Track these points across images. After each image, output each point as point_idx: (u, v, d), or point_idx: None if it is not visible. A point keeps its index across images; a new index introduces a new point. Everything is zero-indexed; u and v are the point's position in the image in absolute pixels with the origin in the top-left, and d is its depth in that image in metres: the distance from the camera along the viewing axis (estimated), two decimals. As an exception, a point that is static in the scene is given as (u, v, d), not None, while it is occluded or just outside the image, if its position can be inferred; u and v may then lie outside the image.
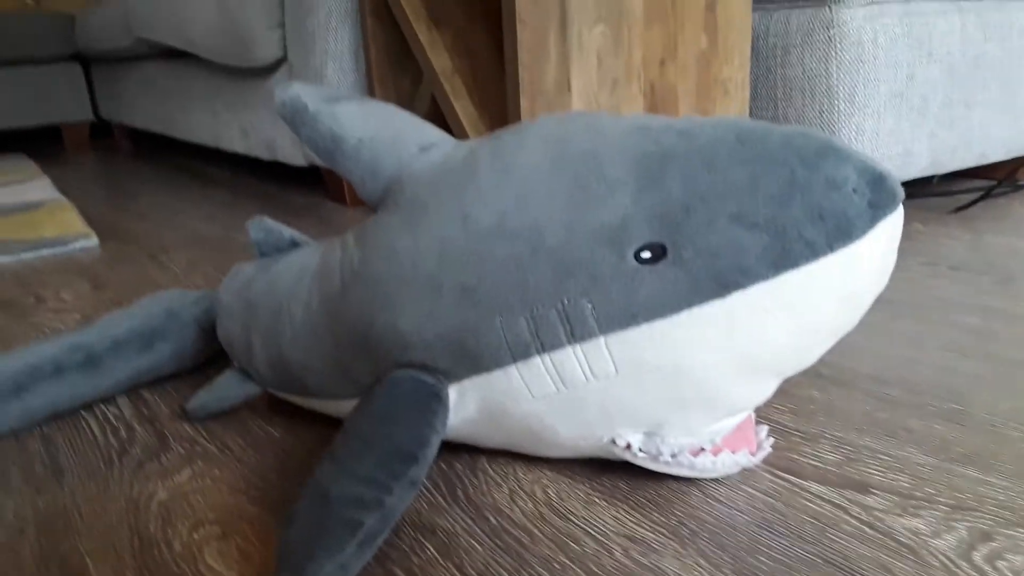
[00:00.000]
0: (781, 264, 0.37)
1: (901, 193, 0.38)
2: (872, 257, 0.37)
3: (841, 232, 0.37)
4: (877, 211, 0.37)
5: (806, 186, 0.37)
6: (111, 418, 0.57)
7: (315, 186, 1.53)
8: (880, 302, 0.69)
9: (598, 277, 0.39)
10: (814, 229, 0.37)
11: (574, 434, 0.43)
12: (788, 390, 0.54)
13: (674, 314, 0.38)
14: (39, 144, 2.71)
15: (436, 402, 0.42)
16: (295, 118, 0.49)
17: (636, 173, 0.39)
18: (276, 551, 0.37)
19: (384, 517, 0.37)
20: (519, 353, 0.41)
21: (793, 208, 0.37)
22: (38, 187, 1.64)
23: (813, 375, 0.56)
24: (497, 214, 0.41)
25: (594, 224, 0.39)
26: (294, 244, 0.58)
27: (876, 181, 0.37)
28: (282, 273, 0.53)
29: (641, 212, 0.38)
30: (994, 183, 1.02)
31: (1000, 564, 0.36)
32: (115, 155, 2.29)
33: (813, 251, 0.37)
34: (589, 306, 0.39)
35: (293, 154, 1.36)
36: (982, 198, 0.99)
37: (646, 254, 0.38)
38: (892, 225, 0.38)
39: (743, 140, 0.39)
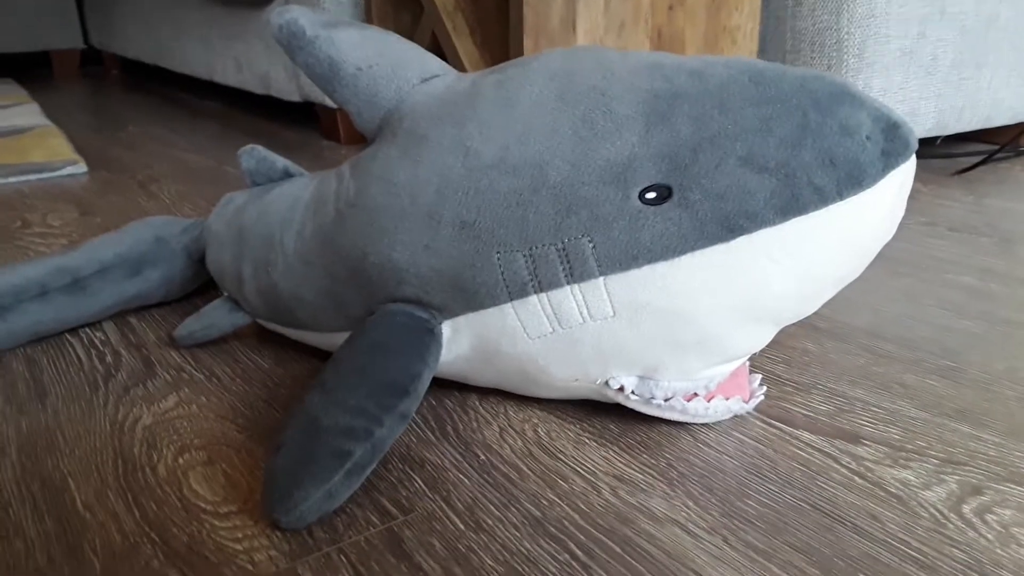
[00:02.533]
0: (789, 210, 0.36)
1: (915, 142, 0.37)
2: (882, 206, 0.37)
3: (852, 179, 0.36)
4: (889, 159, 0.36)
5: (818, 130, 0.36)
6: (97, 342, 0.56)
7: (309, 123, 1.51)
8: (878, 259, 0.69)
9: (601, 216, 0.38)
10: (824, 175, 0.36)
11: (567, 375, 0.42)
12: (783, 341, 0.54)
13: (676, 257, 0.37)
14: (28, 70, 2.65)
15: (429, 337, 0.41)
16: (292, 43, 0.47)
17: (645, 111, 0.38)
18: (263, 478, 0.36)
19: (373, 448, 0.37)
20: (516, 291, 0.40)
21: (804, 152, 0.36)
22: (26, 112, 1.60)
23: (809, 327, 0.55)
24: (499, 148, 0.40)
25: (599, 162, 0.38)
26: (287, 174, 0.57)
27: (890, 129, 0.36)
28: (274, 202, 0.52)
29: (648, 151, 0.37)
30: (997, 147, 1.01)
31: (989, 517, 0.36)
32: (105, 84, 2.24)
33: (822, 197, 0.36)
34: (590, 245, 0.38)
35: (287, 89, 1.33)
36: (984, 161, 0.98)
37: (651, 195, 0.37)
38: (904, 174, 0.37)
39: (756, 81, 0.38)
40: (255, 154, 0.56)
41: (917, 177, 0.98)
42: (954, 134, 1.04)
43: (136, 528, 0.36)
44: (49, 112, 1.70)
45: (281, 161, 0.56)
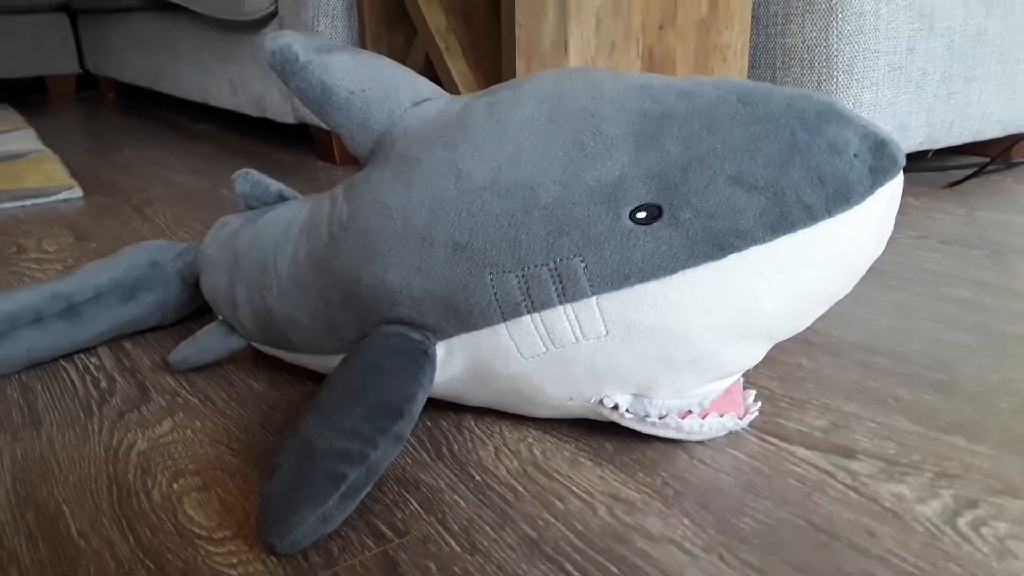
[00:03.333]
0: (778, 228, 0.36)
1: (902, 159, 0.37)
2: (870, 223, 0.37)
3: (840, 197, 0.36)
4: (877, 177, 0.36)
5: (807, 149, 0.36)
6: (91, 368, 0.56)
7: (304, 144, 1.51)
8: (871, 272, 0.69)
9: (592, 236, 0.38)
10: (813, 193, 0.36)
11: (562, 394, 0.42)
12: (777, 357, 0.54)
13: (668, 276, 0.37)
14: (24, 95, 2.66)
15: (423, 358, 0.41)
16: (285, 68, 0.47)
17: (634, 132, 0.38)
18: (257, 502, 0.36)
19: (368, 471, 0.37)
20: (509, 312, 0.40)
21: (793, 171, 0.36)
22: (22, 138, 1.61)
23: (802, 342, 0.56)
24: (491, 170, 0.40)
25: (590, 182, 0.38)
26: (281, 197, 0.57)
27: (878, 146, 0.37)
28: (268, 226, 0.52)
29: (638, 171, 0.38)
30: (988, 160, 1.01)
31: (984, 531, 0.36)
32: (101, 108, 2.25)
33: (811, 215, 0.36)
34: (582, 265, 0.38)
35: (282, 111, 1.34)
36: (976, 174, 0.99)
37: (642, 214, 0.38)
38: (892, 191, 0.37)
39: (744, 101, 0.38)
40: (249, 178, 0.57)
41: (908, 191, 0.98)
42: (945, 147, 1.05)
43: (131, 555, 0.36)
44: (45, 137, 1.71)
45: (275, 184, 0.57)
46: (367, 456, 0.37)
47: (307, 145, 1.50)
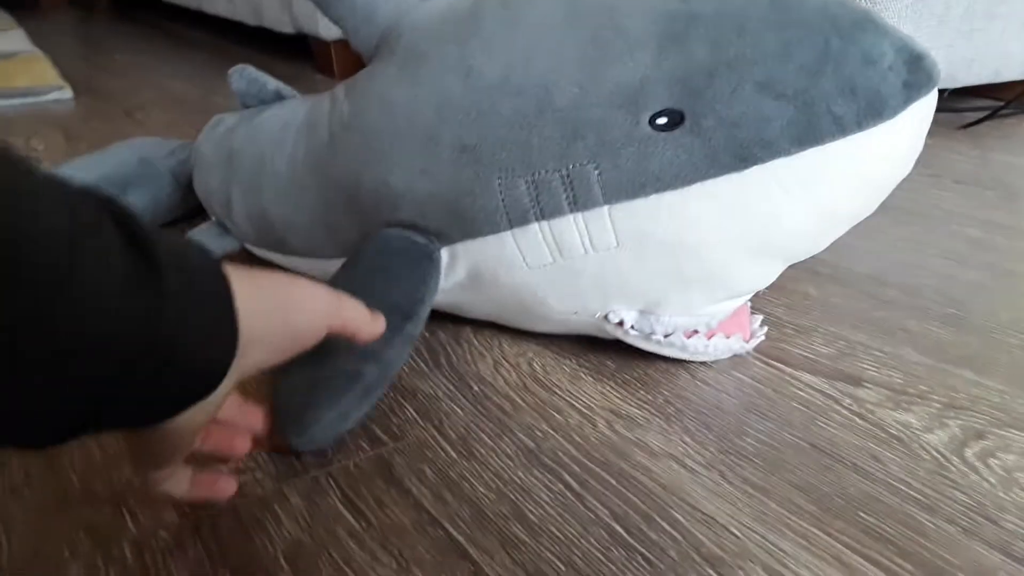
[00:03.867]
0: (806, 139, 0.34)
1: (938, 75, 0.35)
2: (901, 140, 0.35)
3: (872, 110, 0.34)
4: (911, 91, 0.35)
5: (840, 58, 0.34)
6: (81, 264, 0.54)
7: (302, 57, 1.47)
8: (882, 208, 0.67)
9: (608, 142, 0.36)
10: (844, 104, 0.34)
11: (566, 307, 0.41)
12: (784, 285, 0.53)
13: (686, 186, 0.36)
14: (12, -4, 2.56)
15: (428, 262, 0.40)
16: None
17: (659, 32, 0.36)
18: (272, 402, 0.35)
19: (383, 370, 0.35)
20: (516, 219, 0.38)
21: (824, 80, 0.34)
22: (12, 38, 1.55)
23: (810, 272, 0.54)
24: (503, 68, 0.38)
25: (609, 84, 0.36)
26: (279, 96, 0.54)
27: (913, 60, 0.35)
28: (266, 124, 0.50)
29: (661, 74, 0.36)
30: (1003, 103, 0.99)
31: (992, 462, 0.35)
32: (94, 13, 2.18)
33: (841, 128, 0.34)
34: (596, 172, 0.36)
35: (280, 20, 1.29)
36: (990, 116, 0.97)
37: (662, 120, 0.36)
38: (925, 108, 0.35)
39: (776, 5, 0.36)
40: (246, 74, 0.54)
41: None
42: (960, 88, 1.02)
43: (116, 445, 0.35)
44: (36, 39, 1.65)
45: (273, 82, 0.54)
46: (380, 355, 0.35)
47: (305, 57, 1.46)
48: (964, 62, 0.96)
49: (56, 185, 0.20)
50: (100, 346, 0.20)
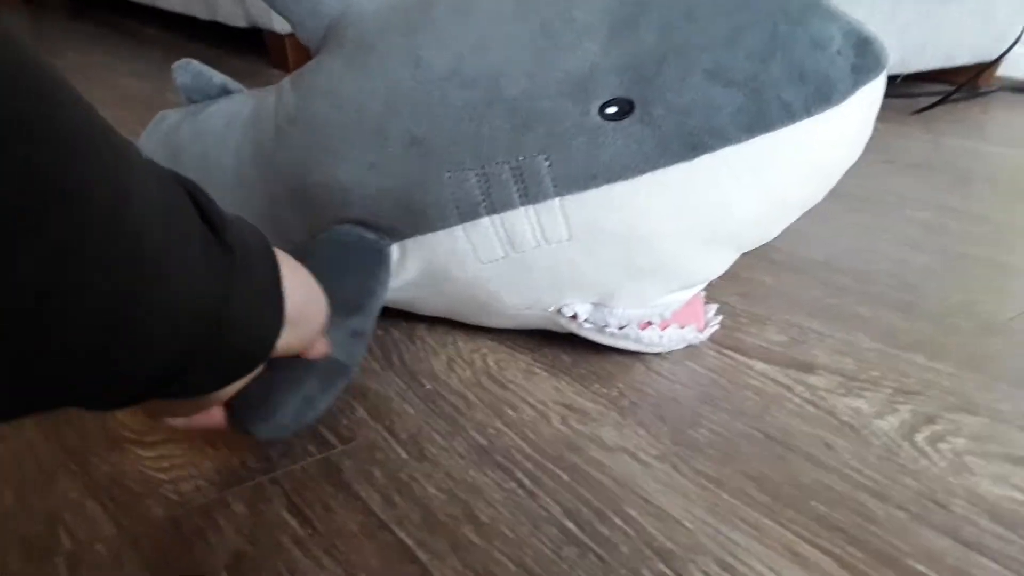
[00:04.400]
0: (755, 127, 0.34)
1: (886, 58, 0.35)
2: (850, 125, 0.35)
3: (821, 95, 0.34)
4: (860, 76, 0.35)
5: (789, 43, 0.34)
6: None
7: (257, 50, 1.44)
8: (835, 194, 0.68)
9: (558, 132, 0.36)
10: (793, 90, 0.34)
11: (519, 302, 0.41)
12: (739, 274, 0.53)
13: (636, 176, 0.35)
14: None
15: (378, 256, 0.39)
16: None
17: (608, 19, 0.36)
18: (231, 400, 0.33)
19: (338, 364, 0.34)
20: (466, 212, 0.38)
21: (773, 66, 0.34)
22: (-48, 32, 1.51)
23: (765, 259, 0.54)
24: (453, 58, 0.37)
25: (558, 74, 0.36)
26: (225, 91, 0.53)
27: (861, 44, 0.35)
28: (211, 120, 0.49)
29: (611, 62, 0.35)
30: (955, 87, 1.00)
31: (942, 446, 0.35)
32: (48, 11, 2.12)
33: (790, 114, 0.34)
34: (546, 164, 0.36)
35: (233, 13, 1.27)
36: (942, 101, 0.98)
37: (612, 109, 0.35)
38: (874, 91, 0.35)
39: (725, -10, 0.36)
40: (190, 69, 0.52)
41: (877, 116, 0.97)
42: (913, 73, 1.03)
43: (53, 458, 0.34)
44: (-21, 33, 1.60)
45: (219, 77, 0.53)
46: (332, 348, 0.34)
47: (260, 51, 1.43)
48: (917, 47, 0.97)
49: (149, 162, 0.20)
50: (184, 320, 0.21)
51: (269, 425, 0.32)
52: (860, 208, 0.65)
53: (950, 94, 0.98)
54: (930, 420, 0.37)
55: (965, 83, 1.00)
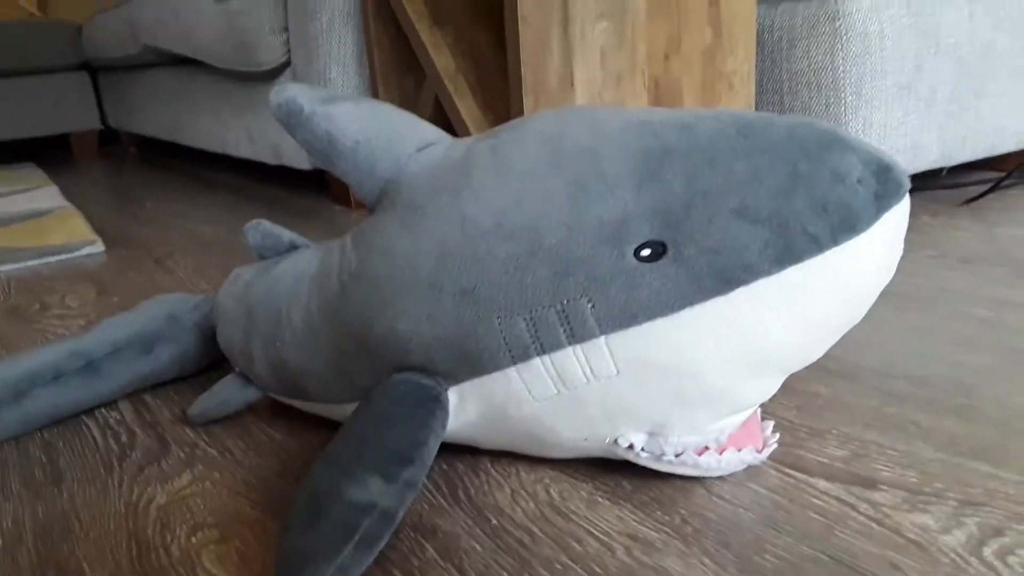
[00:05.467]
0: (785, 259, 0.36)
1: (907, 183, 0.37)
2: (877, 250, 0.37)
3: (846, 225, 0.36)
4: (883, 202, 0.36)
5: (809, 179, 0.36)
6: (111, 423, 0.57)
7: (320, 189, 1.53)
8: (887, 295, 0.68)
9: (598, 276, 0.38)
10: (818, 222, 0.36)
11: (576, 435, 0.42)
12: (794, 386, 0.53)
13: (675, 312, 0.37)
14: (48, 152, 2.72)
15: (435, 404, 0.41)
16: (291, 120, 0.48)
17: (636, 169, 0.39)
18: (275, 556, 0.36)
19: (382, 519, 0.37)
20: (518, 355, 0.40)
21: (796, 202, 0.36)
22: (46, 195, 1.64)
23: (819, 370, 0.55)
24: (495, 214, 0.40)
25: (593, 222, 0.38)
26: (293, 246, 0.58)
27: (882, 171, 0.37)
28: (281, 277, 0.53)
29: (641, 209, 0.38)
30: (1004, 174, 1.00)
31: (1011, 560, 0.35)
32: (123, 162, 2.30)
33: (817, 245, 0.36)
34: (589, 306, 0.38)
35: (298, 158, 1.36)
36: (992, 189, 0.98)
37: (646, 252, 0.38)
38: (898, 216, 0.37)
39: (744, 133, 0.38)
40: (260, 228, 0.57)
41: (925, 208, 0.97)
42: (959, 164, 1.04)
43: (149, 613, 0.36)
44: (68, 193, 1.75)
45: (287, 234, 0.57)
46: (375, 504, 0.36)
47: (323, 190, 1.52)
48: (957, 140, 0.98)
49: None
50: None
51: None
52: (912, 308, 0.65)
53: (999, 181, 0.99)
54: (998, 532, 0.37)
55: (1014, 170, 1.01)
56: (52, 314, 0.84)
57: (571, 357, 0.39)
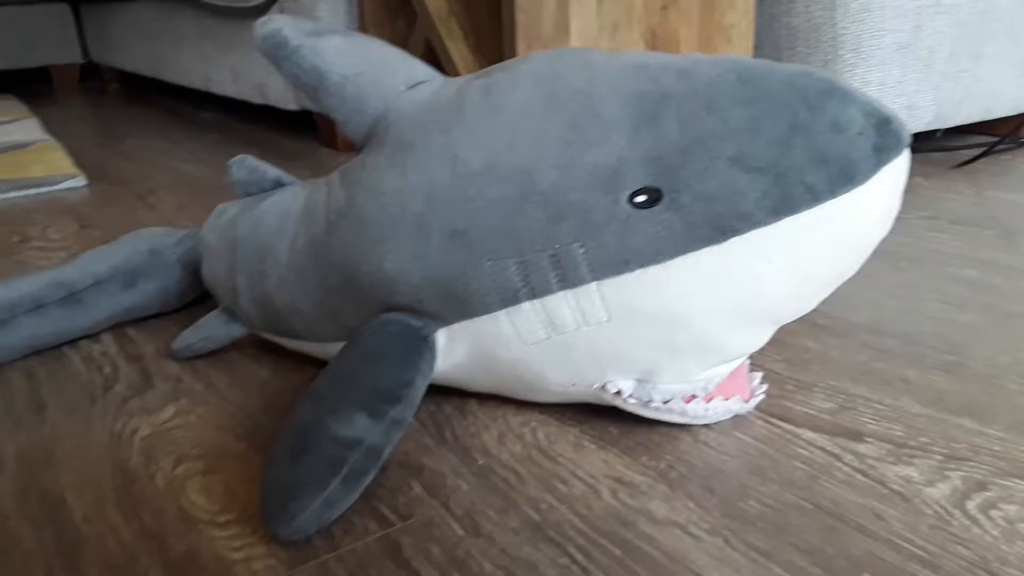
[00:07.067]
0: (781, 209, 0.36)
1: (907, 137, 0.36)
2: (876, 202, 0.36)
3: (844, 176, 0.35)
4: (882, 155, 0.36)
5: (809, 128, 0.36)
6: (95, 355, 0.56)
7: (307, 131, 1.51)
8: (879, 254, 0.68)
9: (591, 222, 0.37)
10: (816, 173, 0.35)
11: (564, 380, 0.42)
12: (783, 339, 0.53)
13: (668, 260, 0.37)
14: (28, 86, 2.65)
15: (423, 344, 0.41)
16: (276, 53, 0.47)
17: (632, 113, 0.38)
18: (259, 488, 0.36)
19: (368, 455, 0.36)
20: (508, 298, 0.40)
21: (795, 151, 0.36)
22: (26, 128, 1.61)
23: (809, 324, 0.55)
24: (487, 155, 0.40)
25: (587, 166, 0.38)
26: (278, 184, 0.56)
27: (882, 123, 0.36)
28: (266, 213, 0.52)
29: (637, 154, 0.37)
30: (997, 139, 1.00)
31: (994, 513, 0.35)
32: (105, 97, 2.25)
33: (814, 196, 0.35)
34: (581, 251, 0.38)
35: (284, 97, 1.33)
36: (985, 154, 0.98)
37: (641, 198, 0.37)
38: (897, 169, 0.36)
39: (744, 80, 0.37)
40: (246, 164, 0.56)
41: (917, 171, 0.97)
42: (954, 127, 1.03)
43: (134, 539, 0.36)
44: (49, 127, 1.71)
45: (272, 171, 0.56)
46: (362, 440, 0.36)
47: (310, 131, 1.50)
48: (953, 103, 0.97)
49: None
50: None
51: (289, 529, 0.35)
52: (903, 268, 0.65)
53: (992, 146, 0.98)
54: (981, 487, 0.37)
55: (1007, 134, 1.00)
56: (33, 246, 0.83)
57: (561, 302, 0.39)
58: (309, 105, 1.27)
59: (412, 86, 0.46)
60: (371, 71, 0.45)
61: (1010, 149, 1.03)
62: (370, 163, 0.44)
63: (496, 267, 0.39)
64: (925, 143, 1.09)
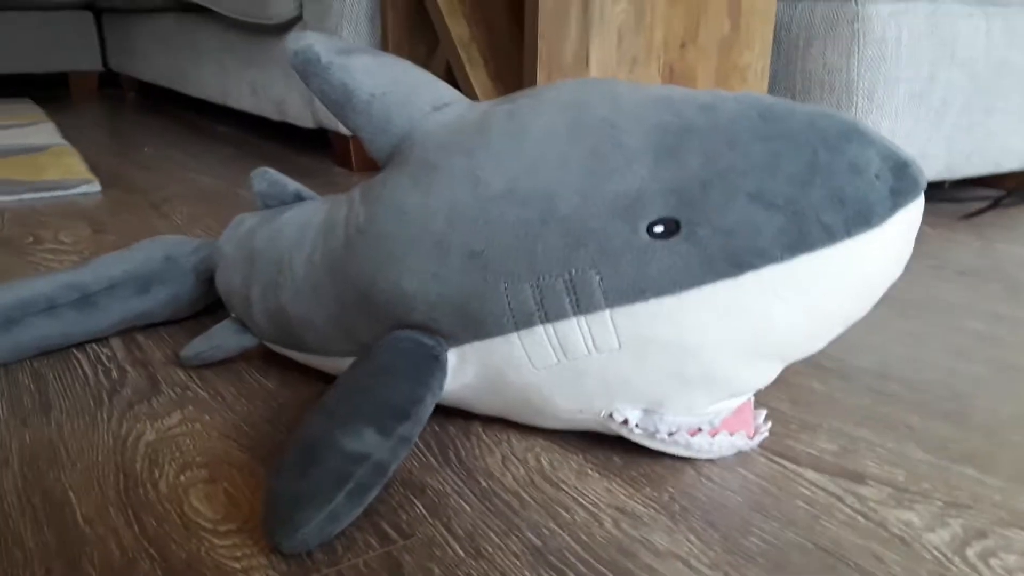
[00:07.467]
0: (797, 247, 0.36)
1: (924, 181, 0.37)
2: (890, 245, 0.37)
3: (860, 218, 0.36)
4: (898, 198, 0.36)
5: (828, 169, 0.36)
6: (103, 358, 0.56)
7: (322, 149, 1.52)
8: (886, 300, 0.69)
9: (609, 249, 0.38)
10: (833, 213, 0.36)
11: (572, 406, 0.42)
12: (789, 379, 0.54)
13: (683, 291, 0.37)
14: (46, 91, 2.68)
15: (434, 363, 0.41)
16: (307, 69, 0.47)
17: (654, 145, 0.38)
18: (263, 501, 0.36)
19: (375, 471, 0.37)
20: (522, 321, 0.40)
21: (813, 190, 0.36)
22: (43, 131, 1.62)
23: (815, 366, 0.55)
24: (509, 178, 0.40)
25: (608, 194, 0.38)
26: (298, 197, 0.57)
27: (899, 167, 0.37)
28: (285, 226, 0.52)
29: (657, 185, 0.38)
30: (1005, 192, 1.01)
31: (993, 562, 0.35)
32: (122, 106, 2.27)
33: (830, 235, 0.36)
34: (597, 278, 0.38)
35: (302, 115, 1.35)
36: (992, 206, 0.99)
37: (659, 228, 0.38)
38: (912, 213, 0.37)
39: (766, 117, 0.38)
40: (267, 177, 0.57)
41: (926, 220, 0.98)
42: (962, 179, 1.04)
43: (135, 543, 0.36)
44: (65, 132, 1.72)
45: (293, 184, 0.57)
46: (369, 455, 0.36)
47: (325, 150, 1.51)
48: (963, 155, 0.98)
49: None
50: None
51: (293, 542, 0.35)
52: (909, 315, 0.66)
53: (1000, 199, 0.99)
54: (981, 535, 0.37)
55: (1015, 188, 1.01)
56: (45, 248, 0.84)
57: (575, 328, 0.39)
58: (325, 124, 1.29)
59: (438, 107, 0.46)
60: (398, 91, 0.46)
61: (1017, 203, 1.04)
62: (392, 181, 0.44)
63: (512, 289, 0.39)
64: (934, 193, 1.10)
